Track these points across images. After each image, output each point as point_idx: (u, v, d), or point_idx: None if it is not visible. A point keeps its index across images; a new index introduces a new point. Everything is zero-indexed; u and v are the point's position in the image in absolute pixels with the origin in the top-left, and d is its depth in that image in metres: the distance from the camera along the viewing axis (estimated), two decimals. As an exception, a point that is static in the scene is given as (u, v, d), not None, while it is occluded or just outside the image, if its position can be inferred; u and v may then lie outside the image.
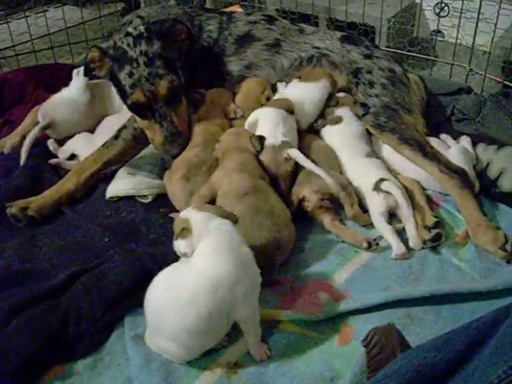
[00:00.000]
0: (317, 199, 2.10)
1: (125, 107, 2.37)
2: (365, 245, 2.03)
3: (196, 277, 1.56)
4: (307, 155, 2.21)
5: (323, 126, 2.44)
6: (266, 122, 2.27)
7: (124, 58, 2.24)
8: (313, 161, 2.18)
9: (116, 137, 2.42)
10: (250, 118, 2.36)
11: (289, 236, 1.96)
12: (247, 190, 1.98)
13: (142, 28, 2.30)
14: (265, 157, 2.19)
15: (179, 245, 1.65)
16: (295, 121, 2.37)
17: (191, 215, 1.67)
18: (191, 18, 2.62)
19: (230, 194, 1.99)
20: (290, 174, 2.20)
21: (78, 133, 2.66)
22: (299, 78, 2.52)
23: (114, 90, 2.39)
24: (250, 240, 1.85)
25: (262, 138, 2.21)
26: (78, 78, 2.71)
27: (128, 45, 2.25)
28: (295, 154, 2.17)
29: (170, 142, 2.28)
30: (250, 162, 2.15)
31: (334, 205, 2.13)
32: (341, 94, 2.52)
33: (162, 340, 1.61)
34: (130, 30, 2.31)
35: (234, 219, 1.71)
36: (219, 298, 1.53)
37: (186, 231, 1.64)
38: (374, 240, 2.04)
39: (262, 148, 2.20)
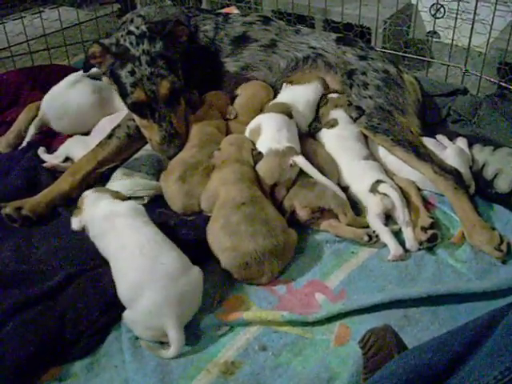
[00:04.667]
0: (307, 214, 2.10)
1: (122, 109, 2.36)
2: (366, 238, 2.03)
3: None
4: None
5: (319, 129, 2.43)
6: (270, 128, 2.24)
7: (126, 56, 2.23)
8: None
9: (110, 136, 2.41)
10: (252, 125, 2.33)
11: (286, 243, 1.95)
12: (245, 199, 1.97)
13: (144, 27, 2.30)
14: (268, 162, 2.15)
15: (72, 221, 1.93)
16: (295, 125, 2.35)
17: (87, 194, 1.96)
18: (188, 18, 2.63)
19: (227, 204, 1.97)
20: (291, 182, 2.16)
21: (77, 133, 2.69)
22: (291, 83, 2.52)
23: (114, 92, 2.38)
24: (245, 248, 1.86)
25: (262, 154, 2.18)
26: (78, 80, 2.74)
27: (131, 43, 2.25)
28: (301, 161, 2.14)
29: (168, 143, 2.28)
30: (249, 174, 2.12)
31: (327, 212, 2.12)
32: (334, 95, 2.51)
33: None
34: (132, 28, 2.31)
35: (122, 198, 1.97)
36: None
37: (78, 210, 1.93)
38: (374, 232, 2.05)
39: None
